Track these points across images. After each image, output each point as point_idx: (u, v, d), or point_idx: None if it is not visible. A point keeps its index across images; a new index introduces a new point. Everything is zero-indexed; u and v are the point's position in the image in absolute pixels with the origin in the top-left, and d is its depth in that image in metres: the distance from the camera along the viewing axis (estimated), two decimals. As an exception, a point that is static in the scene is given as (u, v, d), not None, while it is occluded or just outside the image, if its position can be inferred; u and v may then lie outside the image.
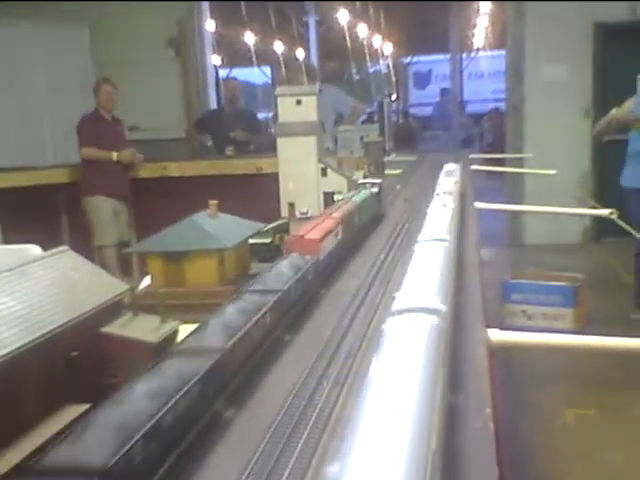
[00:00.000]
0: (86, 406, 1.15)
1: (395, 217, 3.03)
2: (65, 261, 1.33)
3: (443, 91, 21.16)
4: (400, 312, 1.03)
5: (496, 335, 1.68)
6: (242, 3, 13.26)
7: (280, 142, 3.16)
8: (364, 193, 2.82)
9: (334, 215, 2.22)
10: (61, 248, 1.36)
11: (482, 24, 15.99)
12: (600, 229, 8.38)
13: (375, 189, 3.01)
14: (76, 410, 1.14)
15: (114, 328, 1.27)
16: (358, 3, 13.72)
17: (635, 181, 5.66)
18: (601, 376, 4.81)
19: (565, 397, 4.57)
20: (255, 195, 6.18)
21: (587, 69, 8.24)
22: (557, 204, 7.86)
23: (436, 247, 1.54)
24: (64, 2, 8.49)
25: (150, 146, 7.82)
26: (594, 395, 4.57)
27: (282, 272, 1.64)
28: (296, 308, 1.62)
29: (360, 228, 2.56)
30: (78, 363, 1.19)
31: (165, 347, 1.29)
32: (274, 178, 3.32)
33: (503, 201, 9.10)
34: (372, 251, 2.37)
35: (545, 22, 8.29)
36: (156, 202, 6.28)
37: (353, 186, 3.23)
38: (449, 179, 3.02)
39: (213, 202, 1.95)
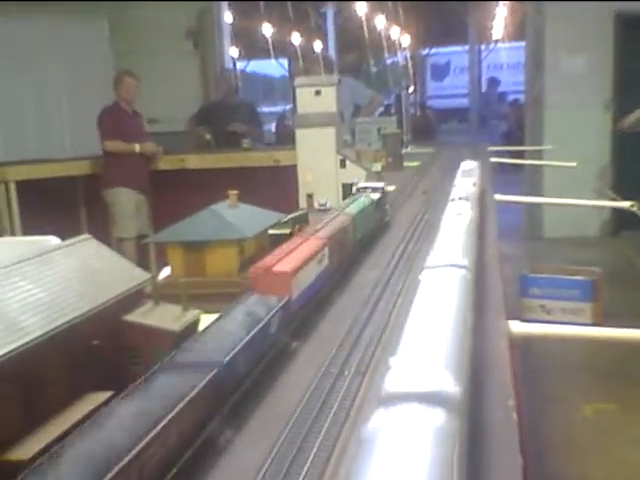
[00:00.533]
0: (108, 393, 1.16)
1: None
2: (87, 249, 1.34)
3: (491, 81, 20.22)
4: (388, 402, 0.74)
5: (517, 327, 1.67)
6: (260, -5, 13.25)
7: (299, 133, 3.15)
8: (362, 201, 2.34)
9: (320, 234, 1.73)
10: (83, 236, 1.37)
11: (501, 15, 15.85)
12: (619, 222, 8.31)
13: (376, 195, 2.53)
14: (99, 397, 1.14)
15: (136, 316, 1.27)
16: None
17: None
18: (620, 370, 4.79)
19: (584, 391, 4.54)
20: (273, 187, 6.19)
21: (607, 61, 8.15)
22: (576, 197, 7.81)
23: (448, 277, 1.25)
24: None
25: (168, 138, 7.83)
26: (613, 389, 4.54)
27: (228, 330, 1.14)
28: (244, 388, 1.13)
29: (354, 249, 2.07)
30: (100, 351, 1.20)
31: (187, 335, 1.29)
32: (292, 170, 3.32)
33: (522, 194, 9.05)
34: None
35: (565, 13, 8.20)
36: (174, 194, 6.30)
37: (348, 194, 3.14)
38: (466, 180, 2.65)
39: (233, 192, 1.95)
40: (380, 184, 2.73)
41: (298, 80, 3.20)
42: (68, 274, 1.22)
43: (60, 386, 1.10)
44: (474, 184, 2.61)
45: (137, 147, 6.41)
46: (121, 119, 6.45)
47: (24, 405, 1.02)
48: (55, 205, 6.26)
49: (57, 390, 1.10)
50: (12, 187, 6.32)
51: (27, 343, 1.01)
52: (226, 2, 10.24)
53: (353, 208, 2.16)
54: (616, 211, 8.28)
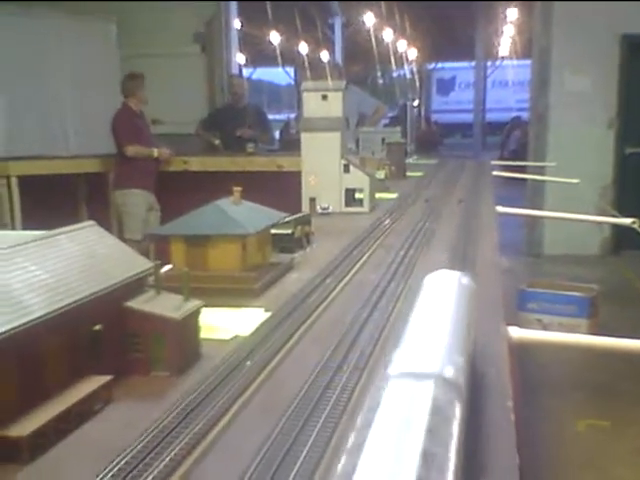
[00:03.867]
0: (108, 377, 1.16)
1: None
2: (91, 236, 1.34)
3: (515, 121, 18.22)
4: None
5: (516, 333, 1.67)
6: (268, 3, 13.31)
7: (304, 137, 3.17)
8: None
9: None
10: (87, 223, 1.37)
11: (508, 33, 15.92)
12: (619, 241, 8.33)
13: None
14: (98, 381, 1.14)
15: (138, 303, 1.27)
16: (384, 7, 13.72)
17: None
18: (615, 388, 4.80)
19: (578, 407, 4.54)
20: (275, 192, 6.15)
21: (612, 80, 8.19)
22: (577, 220, 7.83)
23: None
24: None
25: (171, 140, 7.86)
26: (607, 406, 4.54)
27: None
28: None
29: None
30: (101, 335, 1.20)
31: (188, 324, 1.30)
32: (295, 176, 3.33)
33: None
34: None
35: (572, 32, 8.25)
36: (176, 196, 6.30)
37: (351, 199, 3.14)
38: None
39: (237, 189, 1.95)
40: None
41: (305, 84, 3.22)
42: (71, 258, 1.23)
43: (60, 367, 1.10)
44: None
45: (155, 152, 6.50)
46: (135, 122, 6.51)
47: (24, 383, 1.02)
48: (56, 202, 6.27)
49: (57, 370, 1.10)
50: (14, 182, 6.34)
51: (30, 322, 1.01)
52: (235, 8, 10.26)
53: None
54: (616, 230, 8.30)
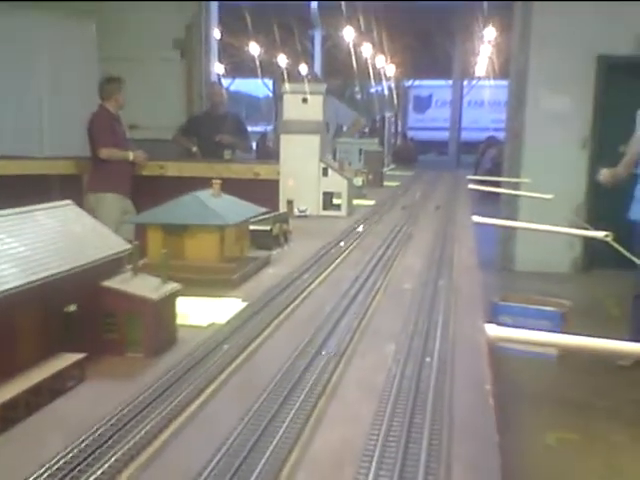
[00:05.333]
0: (81, 355, 1.13)
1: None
2: (69, 214, 1.32)
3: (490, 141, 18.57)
4: None
5: (493, 330, 1.68)
6: (247, 13, 13.35)
7: (284, 139, 3.17)
8: None
9: None
10: (65, 202, 1.35)
11: (485, 52, 16.14)
12: (590, 260, 8.43)
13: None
14: (71, 358, 1.12)
15: (114, 283, 1.25)
16: (363, 21, 13.82)
17: None
18: (586, 402, 4.84)
19: (548, 419, 4.57)
20: (252, 200, 6.14)
21: (588, 100, 8.32)
22: (551, 232, 7.90)
23: None
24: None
25: (148, 145, 7.81)
26: (577, 420, 4.57)
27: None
28: None
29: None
30: (76, 313, 1.18)
31: (165, 306, 1.28)
32: (271, 184, 3.32)
33: (495, 229, 9.15)
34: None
35: (549, 52, 8.38)
36: (152, 200, 6.25)
37: (328, 202, 3.16)
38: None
39: (217, 181, 1.94)
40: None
41: (286, 86, 3.22)
42: (48, 234, 1.20)
43: (33, 342, 1.08)
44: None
45: (131, 155, 6.45)
46: (112, 125, 6.46)
47: (-4, 354, 0.99)
48: (29, 202, 6.15)
49: (30, 345, 1.07)
50: (-14, 181, 6.25)
51: (3, 291, 0.99)
52: (215, 17, 10.26)
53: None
54: (588, 248, 8.41)
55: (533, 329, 5.60)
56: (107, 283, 1.24)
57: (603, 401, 4.86)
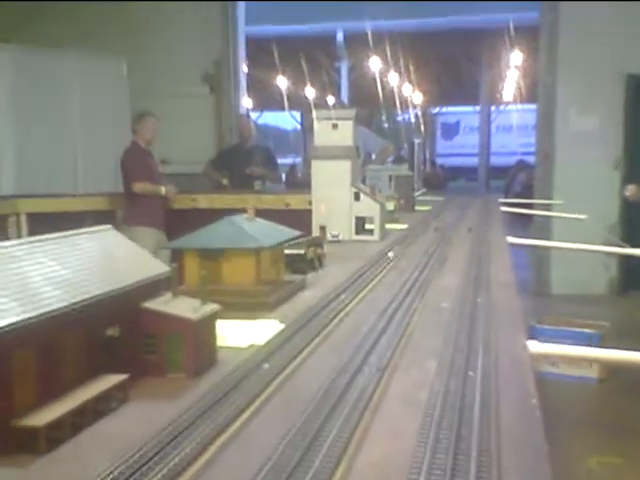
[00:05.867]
0: (123, 377, 1.14)
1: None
2: (109, 238, 1.33)
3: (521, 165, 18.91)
4: None
5: (535, 347, 1.65)
6: (274, 46, 13.52)
7: (315, 165, 3.18)
8: None
9: None
10: (104, 226, 1.36)
11: (512, 77, 16.11)
12: (627, 280, 8.28)
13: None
14: (113, 379, 1.12)
15: (154, 305, 1.26)
16: (389, 51, 13.91)
17: None
18: (627, 425, 4.74)
19: (590, 444, 4.47)
20: (282, 229, 6.19)
21: (618, 120, 8.25)
22: (583, 254, 7.79)
23: None
24: (106, 35, 8.75)
25: (179, 180, 7.92)
26: (620, 443, 4.46)
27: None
28: None
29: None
30: (118, 335, 1.18)
31: (205, 326, 1.28)
32: (302, 214, 3.33)
33: (528, 250, 9.05)
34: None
35: (577, 72, 8.34)
36: (186, 233, 6.31)
37: (361, 227, 3.15)
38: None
39: (250, 207, 1.95)
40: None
41: (317, 113, 3.25)
42: (89, 257, 1.22)
43: (77, 363, 1.09)
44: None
45: (163, 189, 6.54)
46: (144, 160, 6.57)
47: (42, 375, 1.00)
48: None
49: (74, 366, 1.08)
50: (23, 219, 6.38)
51: (47, 313, 1.00)
52: (243, 51, 10.40)
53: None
54: (624, 269, 8.26)
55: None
56: (147, 305, 1.25)
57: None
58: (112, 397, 1.11)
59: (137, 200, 6.48)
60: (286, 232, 2.03)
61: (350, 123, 3.18)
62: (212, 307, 1.32)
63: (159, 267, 1.36)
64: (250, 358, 1.29)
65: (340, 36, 14.81)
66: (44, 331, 1.00)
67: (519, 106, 18.89)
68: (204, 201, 6.95)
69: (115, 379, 1.12)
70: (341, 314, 1.66)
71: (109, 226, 1.37)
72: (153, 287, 1.31)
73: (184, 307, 1.28)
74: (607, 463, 4.21)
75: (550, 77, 8.50)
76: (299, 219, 3.40)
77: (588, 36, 8.15)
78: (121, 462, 0.87)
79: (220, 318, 1.39)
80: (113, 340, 1.18)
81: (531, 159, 11.39)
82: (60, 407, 0.99)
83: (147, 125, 6.61)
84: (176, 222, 6.62)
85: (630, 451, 4.34)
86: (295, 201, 6.44)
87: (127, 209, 6.64)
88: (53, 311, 1.01)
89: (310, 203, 3.25)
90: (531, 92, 12.62)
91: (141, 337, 1.23)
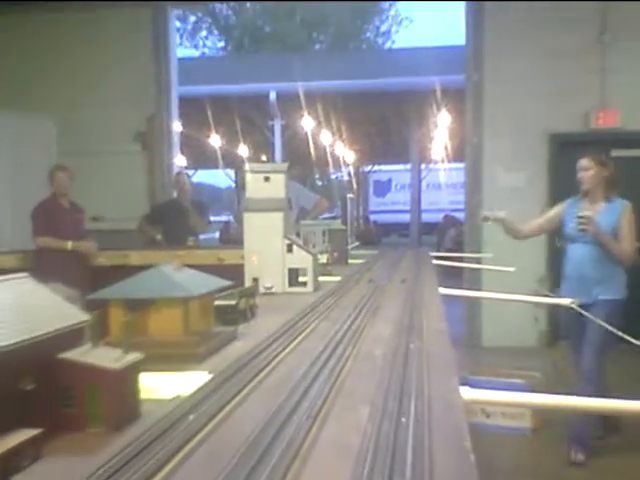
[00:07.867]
0: (36, 431, 1.06)
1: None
2: (23, 287, 1.27)
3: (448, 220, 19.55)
4: None
5: (467, 393, 1.63)
6: (208, 105, 13.61)
7: (247, 217, 3.16)
8: None
9: None
10: (21, 274, 1.30)
11: (441, 137, 16.62)
12: (555, 332, 8.47)
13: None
14: (25, 434, 1.04)
15: (72, 355, 1.19)
16: (321, 111, 14.19)
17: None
18: (560, 473, 4.79)
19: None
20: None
21: (542, 176, 8.57)
22: (513, 307, 7.94)
23: None
24: (39, 92, 8.66)
25: (113, 236, 7.78)
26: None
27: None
28: None
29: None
30: (32, 388, 1.11)
31: (127, 377, 1.21)
32: (235, 269, 3.29)
33: (460, 304, 9.21)
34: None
35: (502, 133, 8.67)
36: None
37: (294, 278, 3.14)
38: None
39: (178, 256, 1.90)
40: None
41: (249, 166, 3.25)
42: (1, 305, 1.15)
43: (-16, 417, 1.01)
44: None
45: (69, 244, 6.36)
46: (55, 214, 6.42)
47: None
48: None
49: (-20, 420, 1.00)
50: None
51: (-48, 362, 0.93)
52: (175, 109, 10.40)
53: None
54: (553, 321, 8.45)
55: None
56: (64, 355, 1.18)
57: (579, 472, 4.81)
58: (24, 454, 1.03)
59: (45, 256, 6.29)
60: (216, 281, 1.98)
61: (282, 176, 3.19)
62: (135, 356, 1.25)
63: (79, 316, 1.29)
64: (175, 410, 1.23)
65: (273, 95, 15.03)
66: (-53, 382, 0.92)
67: (448, 164, 19.45)
68: (136, 257, 6.82)
69: (27, 434, 1.04)
70: (273, 363, 1.62)
71: (25, 274, 1.30)
72: (72, 337, 1.25)
73: (104, 357, 1.22)
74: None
75: (476, 137, 8.80)
76: (232, 274, 3.35)
77: (512, 96, 8.51)
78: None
79: (146, 370, 1.33)
80: (27, 393, 1.11)
81: (461, 215, 11.69)
82: (-37, 465, 0.92)
83: (56, 179, 6.51)
84: (105, 279, 6.46)
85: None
86: (228, 256, 6.38)
87: (36, 266, 6.41)
88: (-42, 361, 0.94)
89: (243, 257, 3.21)
90: (459, 151, 13.04)
91: (58, 390, 1.16)
